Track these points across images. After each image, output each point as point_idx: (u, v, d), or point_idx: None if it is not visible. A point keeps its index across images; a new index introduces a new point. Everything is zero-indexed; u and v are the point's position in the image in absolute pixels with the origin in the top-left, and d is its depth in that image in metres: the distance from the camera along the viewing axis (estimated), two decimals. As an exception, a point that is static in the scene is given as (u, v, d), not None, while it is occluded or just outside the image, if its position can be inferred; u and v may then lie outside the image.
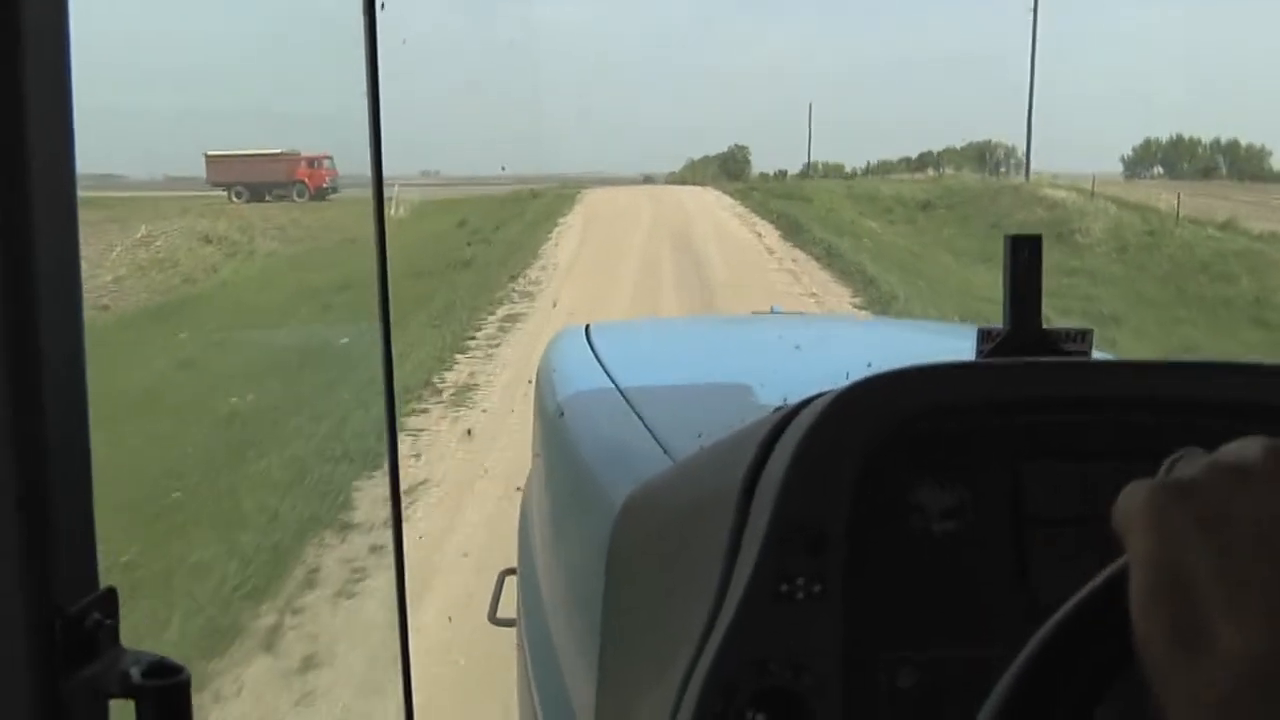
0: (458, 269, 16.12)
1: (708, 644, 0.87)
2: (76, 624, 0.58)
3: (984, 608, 0.90)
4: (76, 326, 0.59)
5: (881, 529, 0.90)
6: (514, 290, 13.54)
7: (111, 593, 0.61)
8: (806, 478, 0.88)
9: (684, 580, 0.95)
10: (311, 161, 32.21)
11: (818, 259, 17.66)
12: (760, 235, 21.36)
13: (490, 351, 10.10)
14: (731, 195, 35.43)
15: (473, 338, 10.79)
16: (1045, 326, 1.04)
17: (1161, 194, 27.48)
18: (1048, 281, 1.04)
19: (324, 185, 31.85)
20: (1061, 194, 24.71)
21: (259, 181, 31.70)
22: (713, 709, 0.84)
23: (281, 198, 30.78)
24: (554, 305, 11.38)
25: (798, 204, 27.82)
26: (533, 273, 15.52)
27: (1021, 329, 1.02)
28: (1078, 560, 0.90)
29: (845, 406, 0.91)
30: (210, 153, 31.01)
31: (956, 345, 1.18)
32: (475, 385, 8.61)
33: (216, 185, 31.33)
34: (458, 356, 9.83)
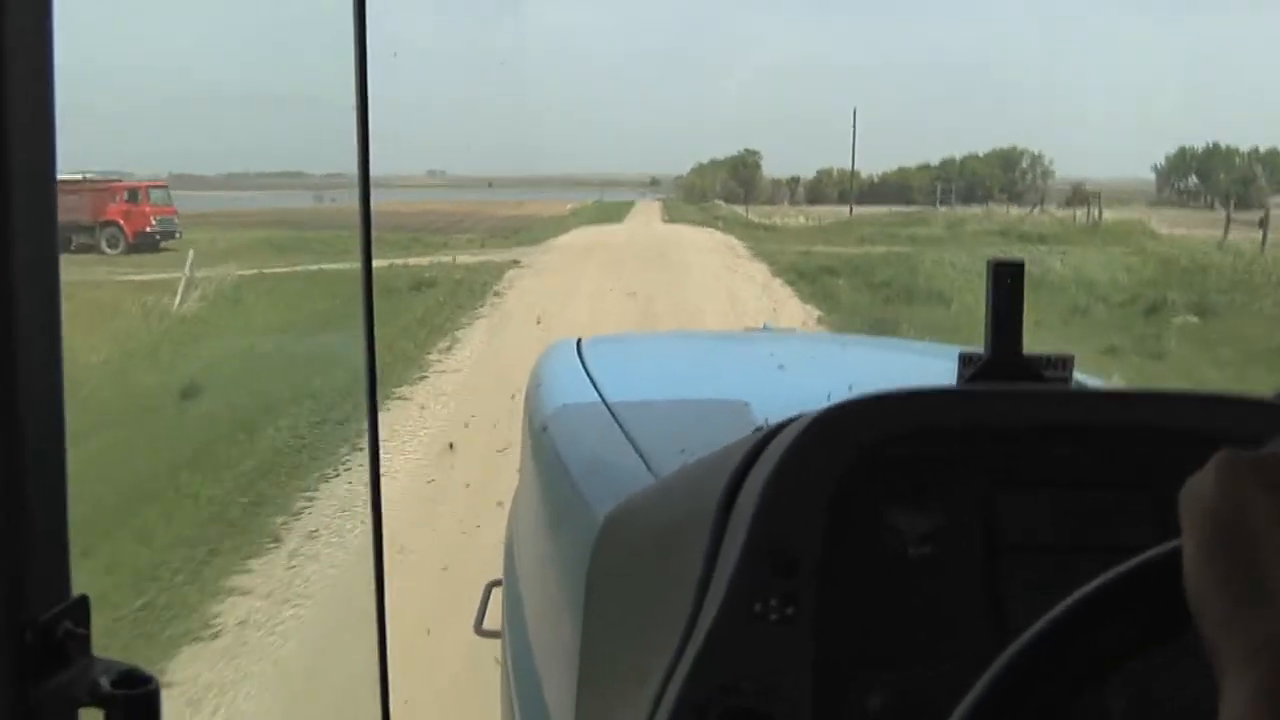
0: None
1: (680, 662, 0.88)
2: (48, 632, 0.59)
3: (956, 632, 0.90)
4: (55, 340, 0.60)
5: (856, 551, 0.91)
6: None
7: (83, 601, 0.62)
8: (783, 499, 0.89)
9: (661, 598, 0.96)
10: (132, 193, 20.88)
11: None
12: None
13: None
14: (789, 281, 16.60)
15: None
16: (1026, 353, 1.04)
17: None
18: None
19: (148, 229, 20.65)
20: None
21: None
22: None
23: (87, 247, 19.38)
24: None
25: (929, 312, 13.27)
26: None
27: (1002, 354, 1.03)
28: (1050, 588, 0.90)
29: (823, 429, 0.92)
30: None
31: (940, 367, 1.18)
32: None
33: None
34: None
